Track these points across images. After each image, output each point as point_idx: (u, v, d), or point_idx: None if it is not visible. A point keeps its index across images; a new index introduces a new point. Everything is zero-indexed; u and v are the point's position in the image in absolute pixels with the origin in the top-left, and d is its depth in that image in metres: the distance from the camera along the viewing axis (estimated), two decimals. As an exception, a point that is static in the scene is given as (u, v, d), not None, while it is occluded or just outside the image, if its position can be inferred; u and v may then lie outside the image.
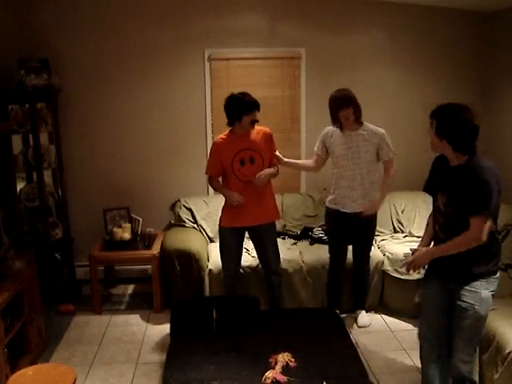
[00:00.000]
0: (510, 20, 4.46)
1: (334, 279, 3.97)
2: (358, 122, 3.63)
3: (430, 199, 2.88)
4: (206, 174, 3.71)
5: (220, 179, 3.73)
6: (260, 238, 3.72)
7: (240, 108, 3.47)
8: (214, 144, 3.65)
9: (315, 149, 3.85)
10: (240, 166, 3.54)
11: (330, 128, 3.76)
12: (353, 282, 4.02)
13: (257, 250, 3.80)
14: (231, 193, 3.57)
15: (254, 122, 3.53)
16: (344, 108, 3.53)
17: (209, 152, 3.71)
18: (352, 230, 3.79)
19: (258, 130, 3.63)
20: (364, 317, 4.00)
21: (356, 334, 3.78)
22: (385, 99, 4.83)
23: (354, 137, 3.64)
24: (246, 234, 3.76)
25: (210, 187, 4.80)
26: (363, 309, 4.05)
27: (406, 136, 4.89)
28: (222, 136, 3.63)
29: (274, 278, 3.81)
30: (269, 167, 3.66)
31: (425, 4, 4.62)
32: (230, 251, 3.73)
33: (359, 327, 3.92)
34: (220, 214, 3.72)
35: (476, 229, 2.43)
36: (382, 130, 3.68)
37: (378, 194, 3.76)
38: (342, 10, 4.66)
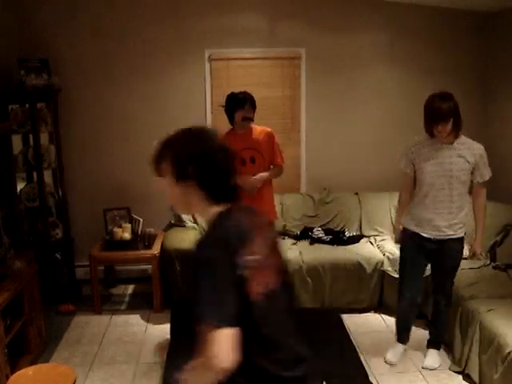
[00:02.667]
0: (511, 20, 4.46)
1: (405, 317, 3.40)
2: (456, 134, 3.03)
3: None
4: None
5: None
6: None
7: (231, 104, 3.49)
8: None
9: (402, 167, 3.26)
10: (241, 166, 3.52)
11: (416, 141, 3.19)
12: (430, 317, 3.52)
13: None
14: (246, 177, 3.47)
15: (246, 119, 3.48)
16: (442, 123, 2.92)
17: None
18: (432, 258, 3.24)
19: (261, 129, 3.62)
20: (433, 356, 3.38)
21: (356, 334, 3.78)
22: (385, 99, 4.83)
23: (446, 151, 3.04)
24: None
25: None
26: (436, 348, 3.42)
27: (406, 135, 4.87)
28: (222, 135, 3.61)
29: None
30: (270, 167, 3.65)
31: (425, 4, 4.62)
32: None
33: (423, 368, 3.33)
34: None
35: (209, 346, 1.43)
36: (480, 146, 3.07)
37: (477, 232, 3.18)
38: (342, 10, 4.66)
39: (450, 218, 3.07)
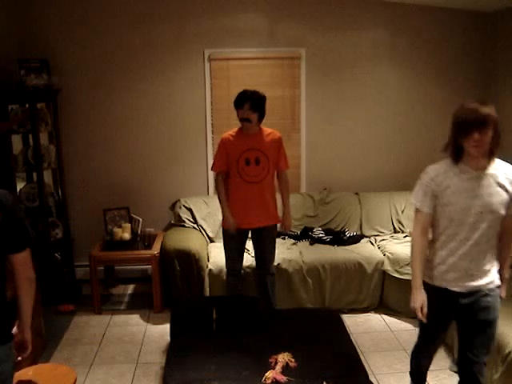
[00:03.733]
0: (511, 20, 4.46)
1: (421, 370, 2.84)
2: (491, 156, 2.33)
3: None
4: (212, 170, 3.71)
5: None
6: (261, 239, 3.72)
7: (234, 102, 3.51)
8: (222, 140, 3.63)
9: (417, 204, 2.46)
10: (245, 166, 3.54)
11: (437, 168, 2.43)
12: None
13: (255, 250, 3.80)
14: (229, 217, 3.58)
15: (243, 119, 3.49)
16: (481, 128, 2.22)
17: (216, 147, 3.67)
18: (461, 315, 2.50)
19: (269, 132, 3.63)
20: None
21: (356, 334, 3.78)
22: (385, 99, 4.83)
23: (484, 179, 2.33)
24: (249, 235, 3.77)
25: (209, 187, 4.82)
26: None
27: (407, 136, 4.90)
28: (230, 133, 3.62)
29: (269, 277, 3.81)
30: (278, 173, 3.70)
31: (425, 4, 4.62)
32: (234, 252, 3.74)
33: None
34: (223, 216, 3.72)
35: None
36: None
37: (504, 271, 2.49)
38: (342, 10, 4.66)
39: (488, 264, 2.40)
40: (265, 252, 3.75)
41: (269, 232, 3.70)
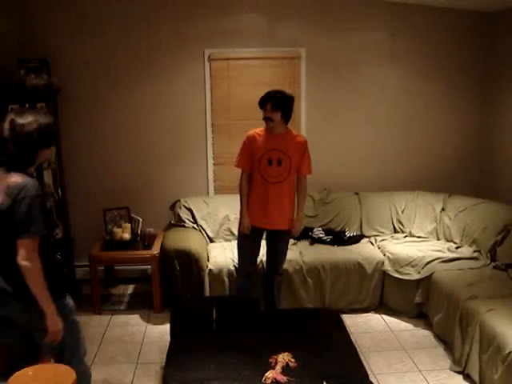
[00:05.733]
0: (511, 20, 4.46)
1: None
2: None
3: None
4: (237, 166, 3.70)
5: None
6: (275, 241, 3.74)
7: (258, 104, 3.54)
8: (247, 137, 3.65)
9: None
10: (267, 165, 3.56)
11: None
12: None
13: (268, 250, 3.81)
14: (245, 218, 3.62)
15: (266, 119, 3.52)
16: None
17: (241, 144, 3.67)
18: None
19: (295, 135, 3.66)
20: None
21: (356, 334, 3.78)
22: (385, 99, 4.83)
23: None
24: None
25: (209, 187, 4.83)
26: None
27: (406, 136, 4.89)
28: (257, 131, 3.65)
29: (277, 277, 3.84)
30: (298, 176, 3.69)
31: (426, 4, 4.62)
32: (247, 252, 3.76)
33: None
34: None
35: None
36: None
37: None
38: (342, 10, 4.66)
39: None
40: (277, 253, 3.78)
41: (283, 234, 3.72)
